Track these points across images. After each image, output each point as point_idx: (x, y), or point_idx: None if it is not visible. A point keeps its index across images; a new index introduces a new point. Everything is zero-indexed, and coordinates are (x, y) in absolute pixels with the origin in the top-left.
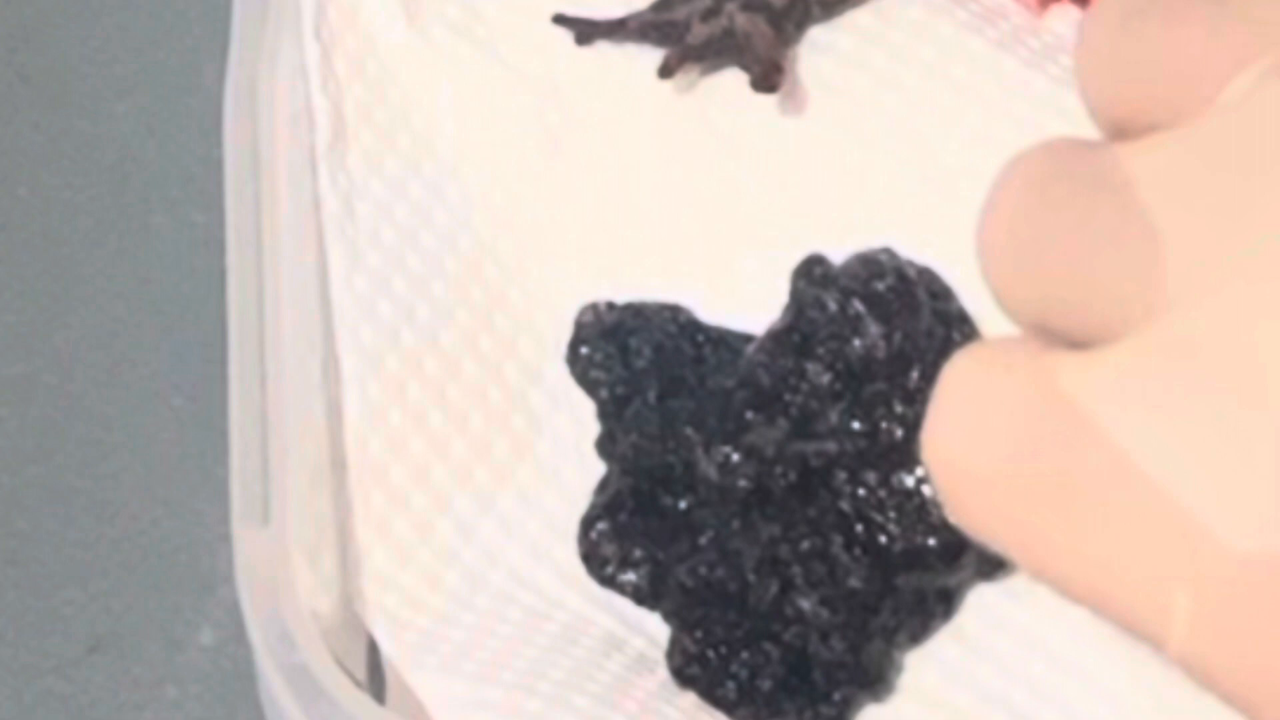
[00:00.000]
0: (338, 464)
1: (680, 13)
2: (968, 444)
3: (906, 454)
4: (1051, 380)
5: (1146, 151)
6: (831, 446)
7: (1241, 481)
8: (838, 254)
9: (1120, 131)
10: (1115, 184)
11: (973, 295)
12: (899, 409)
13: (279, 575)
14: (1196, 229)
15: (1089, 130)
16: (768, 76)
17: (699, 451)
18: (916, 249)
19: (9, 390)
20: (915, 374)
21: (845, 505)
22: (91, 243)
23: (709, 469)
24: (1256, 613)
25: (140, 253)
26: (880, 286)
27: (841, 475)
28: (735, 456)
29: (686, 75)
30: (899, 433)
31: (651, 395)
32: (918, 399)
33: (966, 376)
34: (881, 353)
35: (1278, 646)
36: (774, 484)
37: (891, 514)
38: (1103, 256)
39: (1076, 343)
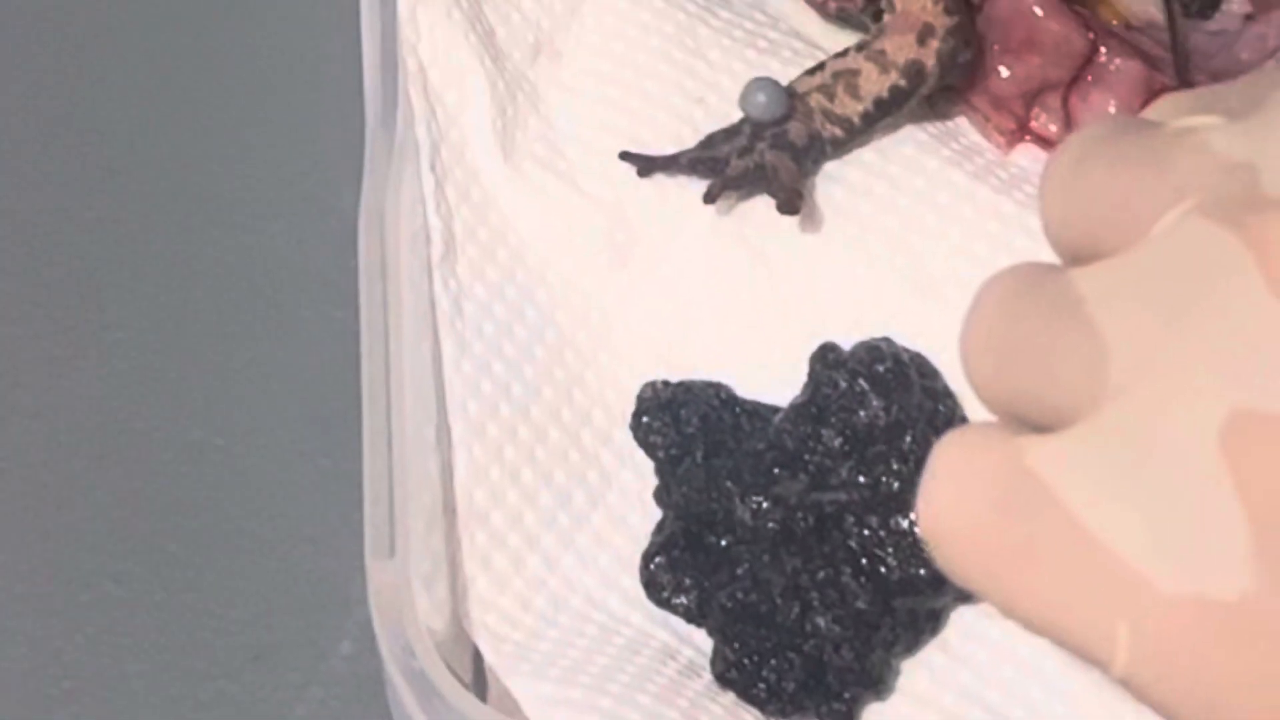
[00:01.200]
0: (449, 510)
1: (721, 150)
2: (954, 508)
3: (902, 502)
4: (1020, 457)
5: (1094, 276)
6: (842, 496)
7: (1170, 536)
8: (847, 342)
9: (1074, 257)
10: (1070, 301)
11: (955, 376)
12: (896, 466)
13: (402, 599)
14: (1133, 337)
15: (1048, 245)
16: (791, 202)
17: (736, 500)
18: (909, 339)
19: (190, 455)
20: (909, 438)
21: (853, 543)
22: (253, 338)
23: (744, 514)
24: (1183, 643)
25: (293, 343)
26: (881, 368)
27: (850, 519)
28: (765, 504)
29: (726, 201)
30: (896, 485)
31: (699, 455)
32: (910, 458)
33: (953, 454)
34: (882, 421)
35: (1201, 669)
36: (796, 526)
37: (890, 549)
38: (1060, 360)
39: (1040, 427)
